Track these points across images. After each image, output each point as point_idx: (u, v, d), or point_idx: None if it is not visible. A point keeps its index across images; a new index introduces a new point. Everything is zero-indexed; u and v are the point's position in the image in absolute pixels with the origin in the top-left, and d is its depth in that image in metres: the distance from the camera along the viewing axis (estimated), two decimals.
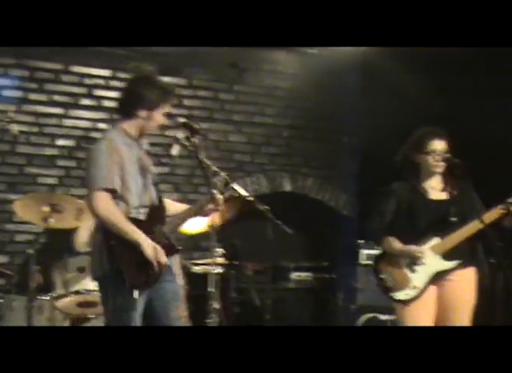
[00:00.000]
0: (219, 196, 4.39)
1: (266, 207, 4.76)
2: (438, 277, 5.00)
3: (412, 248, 4.97)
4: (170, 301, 4.37)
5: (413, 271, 5.01)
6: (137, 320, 4.22)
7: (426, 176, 5.11)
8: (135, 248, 4.19)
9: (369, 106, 8.29)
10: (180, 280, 4.42)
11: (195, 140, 4.42)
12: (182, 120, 4.49)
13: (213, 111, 8.03)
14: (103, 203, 4.19)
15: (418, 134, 5.15)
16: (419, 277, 4.99)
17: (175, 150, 4.59)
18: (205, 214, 4.56)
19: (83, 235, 6.19)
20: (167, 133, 7.52)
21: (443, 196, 5.10)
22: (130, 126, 4.38)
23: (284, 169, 8.34)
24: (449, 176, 5.09)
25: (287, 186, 8.33)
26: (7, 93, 7.16)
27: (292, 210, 7.17)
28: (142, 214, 4.32)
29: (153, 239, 4.26)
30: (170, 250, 4.36)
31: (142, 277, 4.21)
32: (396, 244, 5.03)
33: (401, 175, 5.18)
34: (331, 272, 7.93)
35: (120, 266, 4.17)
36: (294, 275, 7.84)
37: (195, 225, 5.77)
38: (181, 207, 4.61)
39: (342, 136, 8.58)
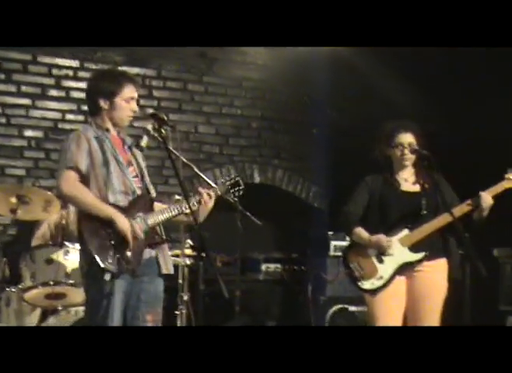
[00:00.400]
0: (206, 197, 4.39)
1: (235, 199, 4.75)
2: (406, 269, 5.03)
3: (380, 238, 5.00)
4: (145, 303, 4.32)
5: (381, 262, 5.04)
6: (114, 310, 4.16)
7: (398, 168, 5.14)
8: (107, 228, 4.18)
9: (339, 98, 8.33)
10: (168, 270, 4.39)
11: (164, 131, 4.40)
12: (151, 111, 4.47)
13: (182, 102, 8.00)
14: (69, 181, 4.23)
15: (386, 127, 5.20)
16: (385, 267, 5.03)
17: (144, 141, 4.56)
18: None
19: (45, 228, 6.17)
20: (136, 124, 7.52)
21: (416, 188, 5.13)
22: (100, 119, 4.44)
23: (254, 161, 8.32)
24: (421, 169, 5.11)
25: (257, 178, 8.32)
26: None
27: (262, 201, 7.16)
28: (122, 201, 4.30)
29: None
30: (154, 240, 4.35)
31: (115, 259, 4.17)
32: (365, 234, 5.06)
33: (375, 166, 5.21)
34: (301, 263, 7.93)
35: (91, 248, 4.14)
36: (264, 267, 7.84)
37: None
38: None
39: (313, 128, 8.58)
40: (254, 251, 7.91)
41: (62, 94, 7.46)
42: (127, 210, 4.28)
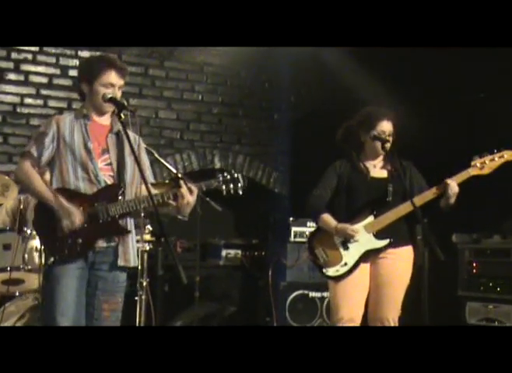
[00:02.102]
0: (184, 191, 4.31)
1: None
2: (370, 255, 5.05)
3: (346, 227, 5.00)
4: (101, 290, 4.31)
5: (345, 248, 5.05)
6: (63, 294, 4.16)
7: (369, 154, 5.13)
8: (52, 213, 4.21)
9: (300, 83, 8.33)
10: (126, 261, 4.35)
11: (124, 116, 4.36)
12: (109, 95, 4.42)
13: (143, 87, 7.95)
14: (20, 166, 4.32)
15: (366, 112, 5.16)
16: (350, 254, 5.04)
17: None
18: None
19: (2, 213, 6.10)
20: None
21: (383, 174, 5.14)
22: (83, 105, 4.47)
23: (214, 146, 8.31)
24: (391, 155, 5.12)
25: (217, 164, 8.31)
26: None
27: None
28: (84, 189, 4.29)
29: (93, 215, 4.24)
30: (113, 230, 4.32)
31: (62, 244, 4.19)
32: (331, 221, 5.05)
33: (342, 152, 5.20)
34: (262, 249, 7.94)
35: (41, 233, 4.28)
36: (224, 252, 7.84)
37: None
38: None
39: (273, 113, 8.59)
40: (214, 237, 7.91)
41: (21, 78, 7.38)
42: (88, 198, 4.26)
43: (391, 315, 5.02)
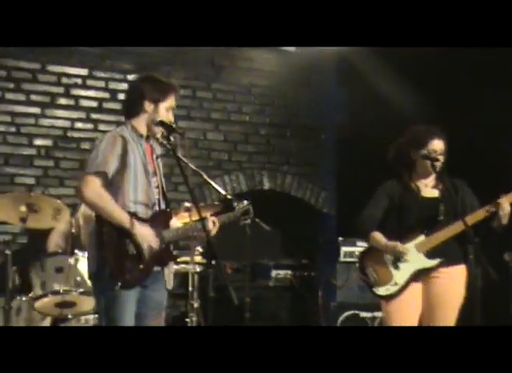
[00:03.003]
0: (211, 224, 4.36)
1: (246, 204, 4.73)
2: (421, 275, 4.99)
3: (396, 244, 4.97)
4: (151, 309, 4.33)
5: (396, 268, 5.01)
6: (126, 317, 4.19)
7: (420, 173, 5.09)
8: (125, 237, 4.17)
9: (347, 103, 8.32)
10: (170, 285, 4.40)
11: (173, 138, 4.40)
12: (159, 118, 4.46)
13: (191, 109, 8.01)
14: (91, 185, 4.18)
15: (416, 130, 5.12)
16: (401, 273, 4.99)
17: None
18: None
19: (56, 237, 6.17)
20: None
21: (435, 193, 5.08)
22: (138, 122, 4.42)
23: (263, 167, 8.33)
24: (442, 174, 5.07)
25: (266, 184, 8.32)
26: None
27: (271, 208, 7.17)
28: (141, 213, 4.29)
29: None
30: (166, 256, 4.36)
31: (129, 269, 4.18)
32: (381, 239, 5.02)
33: (393, 170, 5.18)
34: (311, 269, 7.93)
35: (107, 256, 4.14)
36: (273, 273, 7.83)
37: None
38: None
39: (321, 133, 8.59)
40: (263, 257, 7.91)
41: (71, 102, 7.48)
42: (146, 223, 4.27)
43: None
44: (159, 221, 4.33)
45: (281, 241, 8.49)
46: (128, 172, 4.26)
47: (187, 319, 6.03)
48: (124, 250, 4.18)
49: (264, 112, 8.37)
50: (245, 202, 4.58)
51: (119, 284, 4.13)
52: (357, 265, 5.21)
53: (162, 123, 4.39)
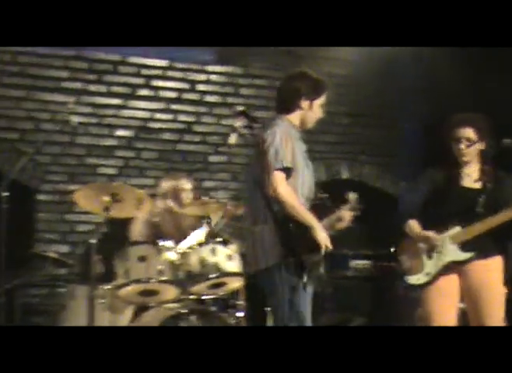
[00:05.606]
0: (348, 213, 4.52)
1: (325, 195, 4.75)
2: (455, 266, 4.94)
3: (431, 234, 4.92)
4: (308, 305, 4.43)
5: (429, 258, 4.96)
6: (308, 307, 4.33)
7: (460, 163, 5.03)
8: (306, 232, 4.28)
9: (428, 92, 8.23)
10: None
11: (253, 128, 4.43)
12: (240, 108, 4.50)
13: (269, 100, 7.99)
14: (280, 182, 4.29)
15: (449, 120, 5.08)
16: (433, 263, 4.95)
17: (233, 139, 4.59)
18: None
19: (139, 226, 6.24)
20: (224, 122, 7.61)
21: (477, 185, 5.00)
22: (294, 118, 4.54)
23: (341, 157, 8.31)
24: (487, 166, 5.00)
25: (344, 174, 8.30)
26: (67, 85, 7.27)
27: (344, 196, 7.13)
28: (306, 206, 4.42)
29: None
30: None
31: (312, 263, 4.32)
32: (416, 228, 4.99)
33: (437, 158, 5.15)
34: (390, 260, 7.87)
35: (294, 250, 4.26)
36: (352, 263, 7.81)
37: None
38: None
39: (400, 122, 8.51)
40: (342, 247, 7.88)
41: (151, 93, 7.57)
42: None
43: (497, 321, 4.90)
44: (318, 215, 4.43)
45: (359, 231, 8.45)
46: (297, 167, 4.38)
47: (268, 309, 6.05)
48: (306, 244, 4.28)
49: (343, 101, 8.33)
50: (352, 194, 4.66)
51: (306, 276, 4.25)
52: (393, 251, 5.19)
53: (243, 113, 4.44)
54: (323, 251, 4.28)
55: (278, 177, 4.28)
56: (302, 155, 4.45)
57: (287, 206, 4.28)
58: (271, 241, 4.36)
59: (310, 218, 4.30)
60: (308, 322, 4.33)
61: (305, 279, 4.25)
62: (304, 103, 4.50)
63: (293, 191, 4.32)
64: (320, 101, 4.56)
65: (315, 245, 4.27)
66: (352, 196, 4.59)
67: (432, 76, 8.08)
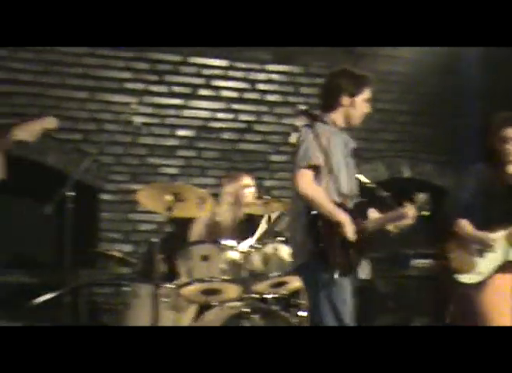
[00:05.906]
0: (412, 211, 4.53)
1: (387, 194, 4.75)
2: (509, 266, 4.90)
3: (486, 235, 4.87)
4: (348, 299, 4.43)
5: (482, 257, 4.91)
6: (348, 303, 4.34)
7: (508, 162, 4.96)
8: (336, 228, 4.27)
9: (489, 90, 8.14)
10: (365, 274, 4.51)
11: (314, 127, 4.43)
12: (302, 107, 4.50)
13: None
14: (304, 180, 4.32)
15: (494, 120, 5.05)
16: (486, 263, 4.91)
17: (294, 138, 4.60)
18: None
19: (201, 225, 6.28)
20: (284, 121, 7.61)
21: None
22: (336, 116, 4.58)
23: (402, 155, 8.26)
24: None
25: (406, 172, 8.25)
26: (129, 86, 7.35)
27: (411, 196, 7.08)
28: (345, 204, 4.42)
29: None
30: (366, 246, 4.47)
31: (342, 260, 4.29)
32: (469, 227, 4.93)
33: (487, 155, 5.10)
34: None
35: (327, 248, 4.26)
36: (414, 262, 7.75)
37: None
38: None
39: (461, 119, 8.42)
40: (403, 247, 7.83)
41: (212, 93, 7.61)
42: (350, 213, 4.38)
43: None
44: (359, 211, 4.44)
45: (422, 229, 8.38)
46: (332, 164, 4.36)
47: None
48: (336, 241, 4.28)
49: (403, 99, 8.28)
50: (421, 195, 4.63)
51: (337, 272, 4.23)
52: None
53: (305, 112, 4.44)
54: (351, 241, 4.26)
55: (303, 175, 4.31)
56: (341, 152, 4.45)
57: (313, 203, 4.30)
58: (301, 239, 4.38)
59: (337, 213, 4.28)
60: (347, 320, 4.31)
61: (336, 275, 4.22)
62: (345, 100, 4.53)
63: (322, 189, 4.33)
64: (363, 96, 4.57)
65: (344, 242, 4.27)
66: (421, 196, 4.54)
67: (493, 75, 7.99)
